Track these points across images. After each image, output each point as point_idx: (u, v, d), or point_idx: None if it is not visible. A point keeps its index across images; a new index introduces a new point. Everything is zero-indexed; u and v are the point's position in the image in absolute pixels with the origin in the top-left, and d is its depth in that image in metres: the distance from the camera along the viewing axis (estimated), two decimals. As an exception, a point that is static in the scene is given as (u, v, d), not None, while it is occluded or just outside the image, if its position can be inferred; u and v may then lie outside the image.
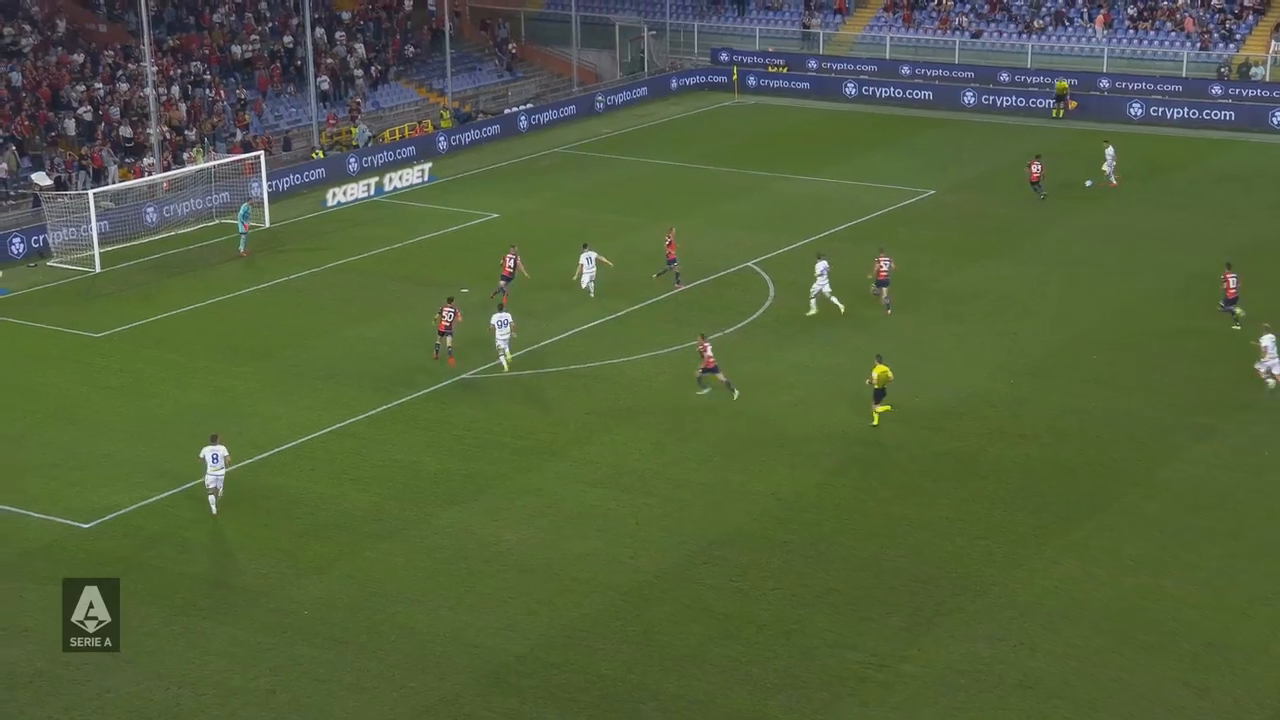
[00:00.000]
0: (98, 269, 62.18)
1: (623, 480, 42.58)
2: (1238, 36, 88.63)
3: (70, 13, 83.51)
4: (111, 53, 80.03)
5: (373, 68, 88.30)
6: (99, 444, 45.59)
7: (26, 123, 72.40)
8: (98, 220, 63.32)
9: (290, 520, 40.67)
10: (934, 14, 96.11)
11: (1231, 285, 52.23)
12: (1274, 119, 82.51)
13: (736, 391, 47.21)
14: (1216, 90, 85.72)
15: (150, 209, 67.65)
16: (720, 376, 47.25)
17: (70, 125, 73.61)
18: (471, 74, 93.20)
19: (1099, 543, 38.68)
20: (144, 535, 39.90)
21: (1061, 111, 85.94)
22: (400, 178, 75.11)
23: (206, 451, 40.66)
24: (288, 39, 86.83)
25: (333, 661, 33.98)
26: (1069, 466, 42.97)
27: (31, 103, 74.01)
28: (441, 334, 50.35)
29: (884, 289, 54.73)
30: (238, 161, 71.35)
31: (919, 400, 47.24)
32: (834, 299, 54.17)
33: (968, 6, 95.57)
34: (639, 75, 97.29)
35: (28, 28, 79.96)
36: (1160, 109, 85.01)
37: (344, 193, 72.75)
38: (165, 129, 74.10)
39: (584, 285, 56.44)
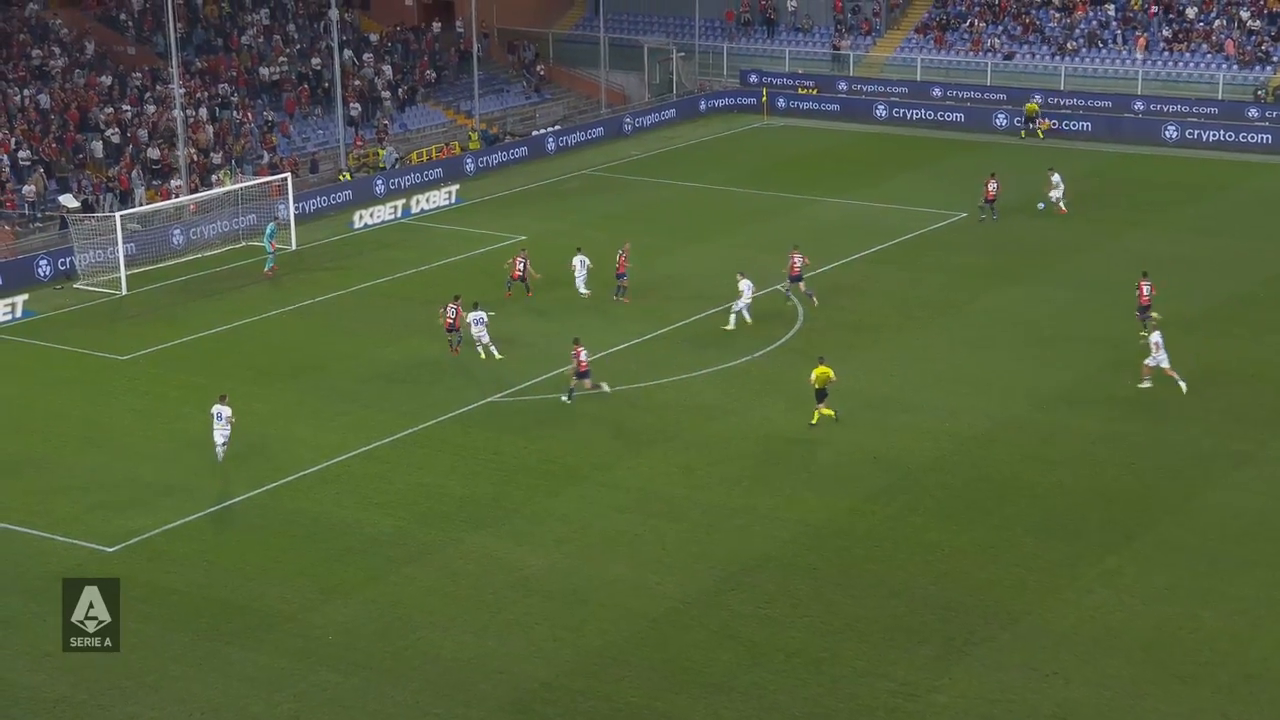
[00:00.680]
0: (124, 291, 62.08)
1: (650, 505, 42.24)
2: (1275, 59, 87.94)
3: (99, 35, 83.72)
4: (139, 75, 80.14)
5: (400, 89, 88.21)
6: (123, 467, 45.43)
7: (54, 145, 72.38)
8: (124, 242, 63.18)
9: (315, 544, 40.43)
10: (966, 36, 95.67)
11: (1145, 293, 53.10)
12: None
13: (607, 386, 48.74)
14: (1253, 113, 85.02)
15: (177, 231, 67.53)
16: (587, 383, 48.30)
17: (98, 147, 73.63)
18: (499, 96, 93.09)
19: (1134, 571, 38.20)
20: (168, 559, 39.72)
21: (1038, 133, 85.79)
22: (427, 200, 74.89)
23: (214, 409, 44.68)
24: (316, 61, 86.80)
25: (357, 688, 33.73)
26: (1103, 493, 42.48)
27: (59, 125, 74.02)
28: (449, 330, 52.58)
29: (799, 283, 56.76)
30: (265, 184, 71.21)
31: (951, 425, 46.88)
32: (747, 315, 55.08)
33: (1000, 28, 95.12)
34: (667, 97, 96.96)
35: (56, 50, 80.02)
36: (1196, 131, 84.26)
37: (371, 215, 72.56)
38: (193, 151, 74.02)
39: (579, 288, 58.44)
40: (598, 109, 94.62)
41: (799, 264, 57.00)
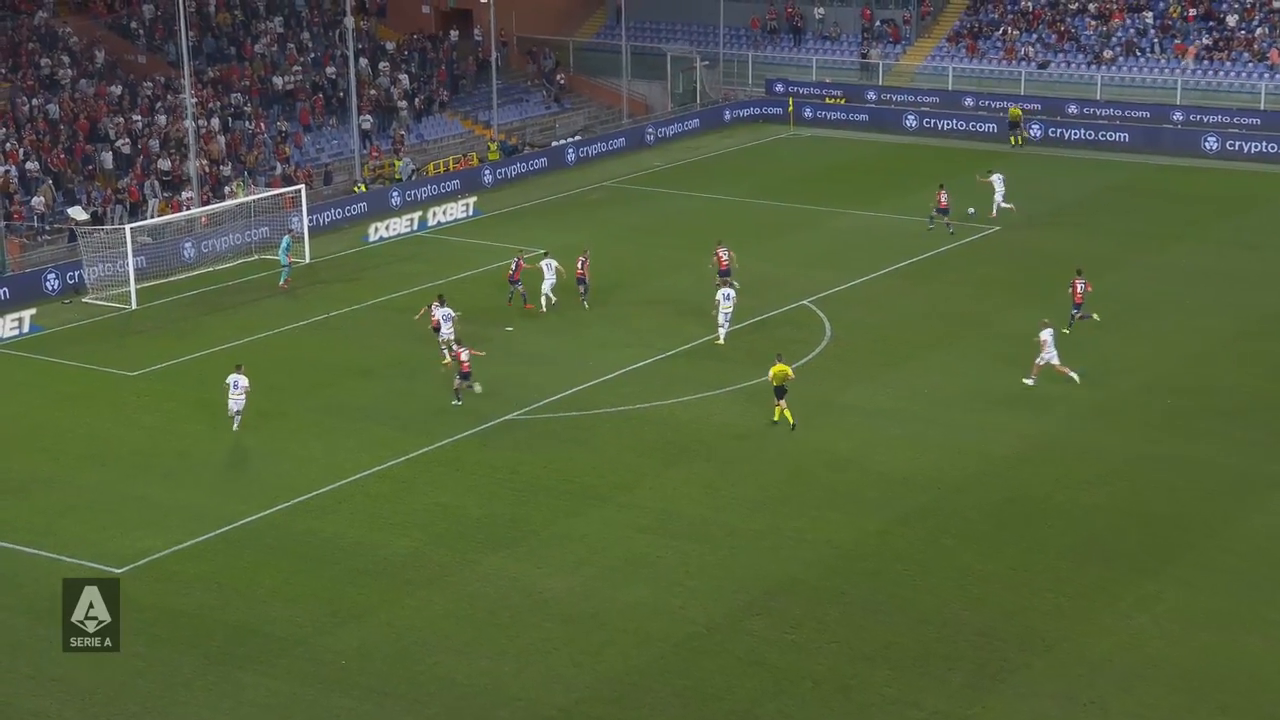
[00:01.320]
0: (134, 305, 61.39)
1: (672, 526, 41.52)
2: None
3: (109, 43, 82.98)
4: (150, 84, 79.39)
5: (417, 99, 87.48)
6: (132, 486, 44.81)
7: (63, 156, 71.61)
8: (134, 255, 62.47)
9: (328, 566, 39.75)
10: (999, 44, 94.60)
11: (1079, 290, 54.21)
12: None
13: (479, 386, 49.46)
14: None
15: (188, 244, 66.82)
16: (471, 384, 49.34)
17: (108, 158, 72.92)
18: (518, 105, 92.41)
19: (1173, 596, 37.35)
20: (178, 580, 39.07)
21: (1020, 140, 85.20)
22: (444, 212, 74.12)
23: (230, 378, 47.46)
24: (330, 70, 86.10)
25: (371, 714, 33.19)
26: (1140, 515, 41.61)
27: (69, 135, 73.29)
28: (436, 331, 53.04)
29: (727, 277, 56.88)
30: (278, 196, 70.49)
31: (983, 444, 46.13)
32: (722, 331, 54.80)
33: (1034, 36, 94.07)
34: (691, 107, 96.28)
35: (66, 59, 79.33)
36: (1237, 143, 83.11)
37: (386, 227, 71.77)
38: (204, 162, 73.30)
39: (545, 292, 58.28)
40: (619, 119, 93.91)
41: (726, 258, 57.64)
